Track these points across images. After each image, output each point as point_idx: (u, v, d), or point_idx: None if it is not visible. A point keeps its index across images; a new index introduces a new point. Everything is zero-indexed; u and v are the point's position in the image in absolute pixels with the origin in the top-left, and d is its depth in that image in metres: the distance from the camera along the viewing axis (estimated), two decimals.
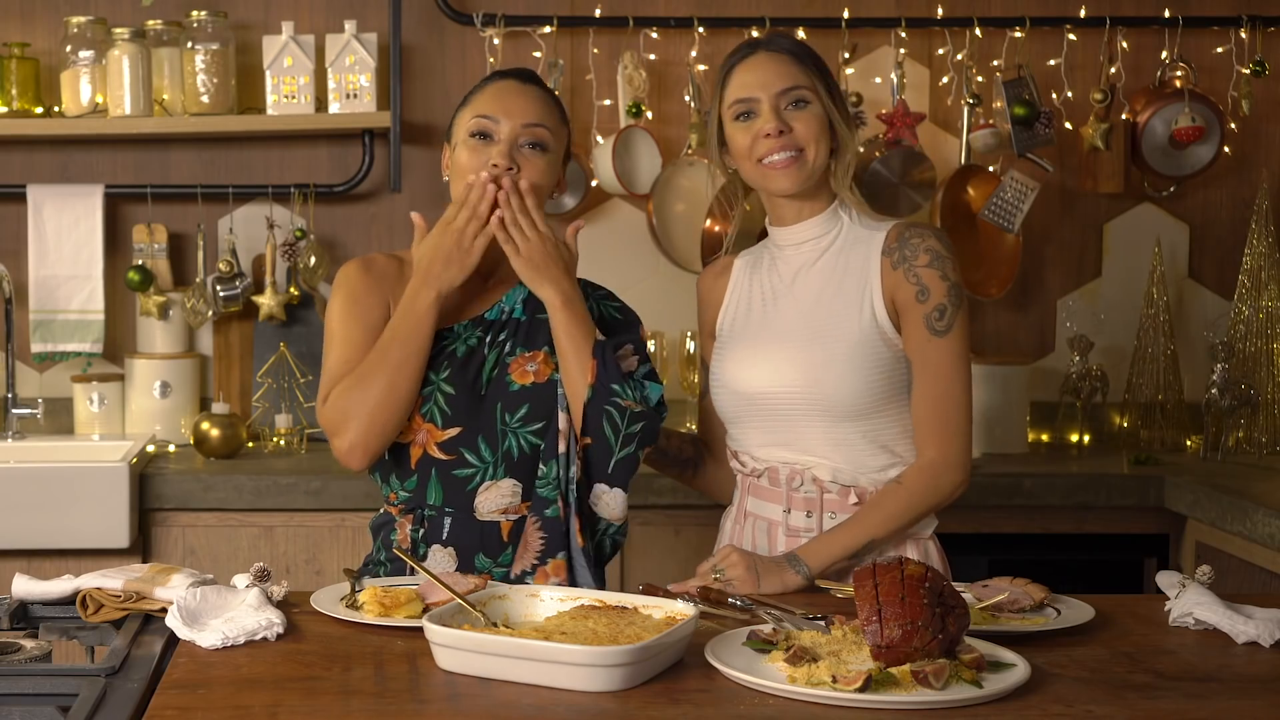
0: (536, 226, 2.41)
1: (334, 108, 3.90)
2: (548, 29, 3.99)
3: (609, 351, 2.41)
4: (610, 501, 2.41)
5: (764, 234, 2.62)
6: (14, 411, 3.87)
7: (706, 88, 4.01)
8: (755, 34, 3.97)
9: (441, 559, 2.43)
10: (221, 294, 3.91)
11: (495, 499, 2.44)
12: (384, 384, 2.39)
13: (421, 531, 2.45)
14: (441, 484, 2.44)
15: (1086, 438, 4.06)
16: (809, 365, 2.42)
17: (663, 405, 2.45)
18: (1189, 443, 4.01)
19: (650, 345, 3.95)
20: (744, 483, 2.56)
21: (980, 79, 4.04)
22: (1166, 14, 4.07)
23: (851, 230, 2.49)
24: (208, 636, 1.95)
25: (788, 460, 2.47)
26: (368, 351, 2.44)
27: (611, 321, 2.56)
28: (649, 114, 4.00)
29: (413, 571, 2.42)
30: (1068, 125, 4.09)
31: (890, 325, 2.42)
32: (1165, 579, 2.21)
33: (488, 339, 2.48)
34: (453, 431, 2.42)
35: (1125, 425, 4.07)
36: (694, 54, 3.99)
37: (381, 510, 2.55)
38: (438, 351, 2.45)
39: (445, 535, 2.44)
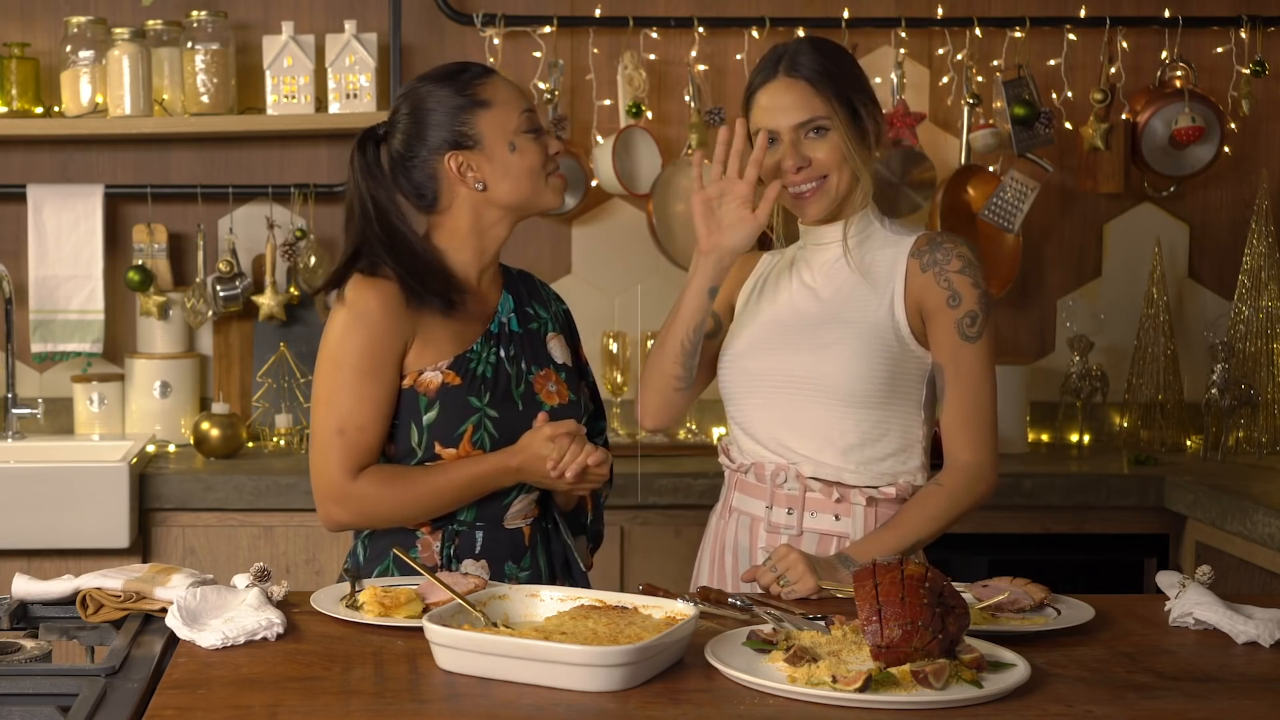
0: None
1: (334, 108, 3.90)
2: (548, 29, 3.99)
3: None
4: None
5: (766, 244, 2.62)
6: (14, 411, 3.87)
7: (707, 88, 4.02)
8: (755, 34, 3.98)
9: (474, 572, 2.39)
10: (221, 294, 3.91)
11: (521, 506, 2.45)
12: (418, 508, 2.40)
13: (453, 548, 2.43)
14: (476, 502, 2.43)
15: (1086, 438, 4.06)
16: (817, 347, 2.44)
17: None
18: (1189, 443, 4.02)
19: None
20: (731, 478, 2.58)
21: (980, 79, 4.05)
22: (1166, 14, 4.07)
23: (881, 233, 2.50)
24: (208, 636, 1.95)
25: (774, 456, 2.49)
26: (382, 409, 2.37)
27: (568, 331, 2.59)
28: (649, 114, 4.00)
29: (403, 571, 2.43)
30: (1068, 125, 4.09)
31: (906, 324, 2.43)
32: (1165, 579, 2.21)
33: (500, 353, 2.46)
34: None
35: (1125, 425, 4.08)
36: (694, 54, 3.99)
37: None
38: (471, 377, 2.41)
39: (478, 549, 2.43)
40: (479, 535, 2.43)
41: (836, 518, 2.45)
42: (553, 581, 2.44)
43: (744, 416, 2.53)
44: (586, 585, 2.48)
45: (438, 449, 2.38)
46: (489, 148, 2.41)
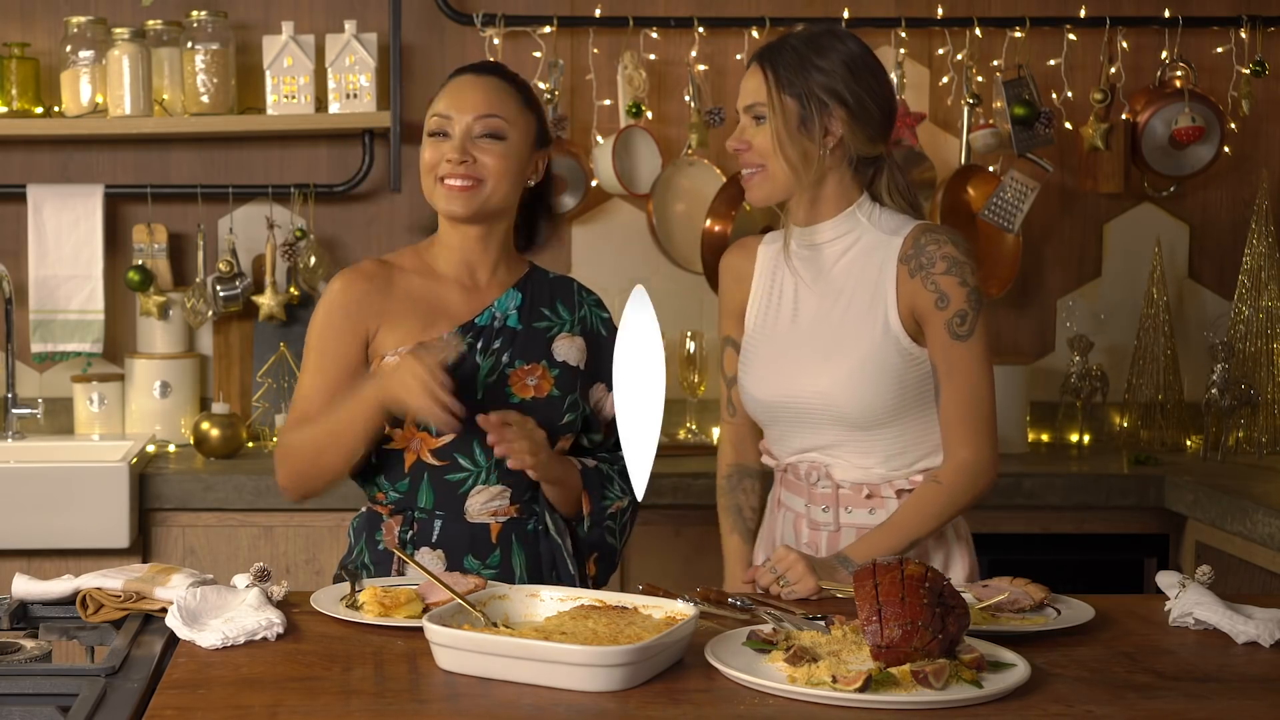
0: (533, 441, 2.38)
1: (334, 108, 3.90)
2: (548, 29, 3.99)
3: (594, 481, 2.50)
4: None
5: (765, 229, 2.63)
6: (14, 411, 3.87)
7: (707, 88, 4.02)
8: (756, 34, 3.99)
9: (430, 561, 2.43)
10: (221, 294, 3.91)
11: (485, 501, 2.45)
12: (315, 449, 2.44)
13: (411, 533, 2.46)
14: (433, 487, 2.45)
15: (1086, 438, 4.06)
16: (824, 378, 2.44)
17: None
18: (1189, 443, 4.02)
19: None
20: (776, 474, 2.61)
21: (980, 79, 4.05)
22: (1166, 14, 4.07)
23: (870, 235, 2.47)
24: (208, 636, 1.95)
25: (809, 457, 2.50)
26: (334, 388, 2.45)
27: (595, 336, 2.58)
28: (649, 114, 4.00)
29: (401, 571, 2.43)
30: (1068, 125, 4.09)
31: (904, 334, 2.43)
32: (1165, 579, 2.21)
33: (479, 345, 2.47)
34: (447, 438, 2.43)
35: (1125, 425, 4.08)
36: (694, 54, 3.99)
37: (364, 510, 2.56)
38: None
39: (435, 538, 2.45)
40: (437, 524, 2.46)
41: (871, 512, 2.48)
42: (534, 583, 2.44)
43: (771, 438, 2.58)
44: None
45: (387, 429, 2.44)
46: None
